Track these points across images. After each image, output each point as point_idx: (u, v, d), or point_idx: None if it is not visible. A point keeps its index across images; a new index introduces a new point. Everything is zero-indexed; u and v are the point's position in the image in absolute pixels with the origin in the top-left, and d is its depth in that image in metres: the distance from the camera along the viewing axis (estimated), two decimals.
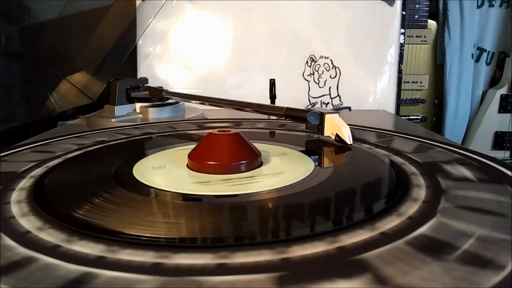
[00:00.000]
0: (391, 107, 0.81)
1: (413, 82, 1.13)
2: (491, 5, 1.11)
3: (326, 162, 0.33)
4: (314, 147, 0.36)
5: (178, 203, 0.23)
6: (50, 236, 0.17)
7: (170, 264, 0.15)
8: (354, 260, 0.15)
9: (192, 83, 0.79)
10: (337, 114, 0.37)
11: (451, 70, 1.10)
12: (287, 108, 0.40)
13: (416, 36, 1.12)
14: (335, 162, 0.33)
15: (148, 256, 0.15)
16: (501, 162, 0.28)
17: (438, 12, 1.12)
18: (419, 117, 1.16)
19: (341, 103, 0.79)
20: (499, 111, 1.12)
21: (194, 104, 0.59)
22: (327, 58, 0.79)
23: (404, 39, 0.79)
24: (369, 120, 0.66)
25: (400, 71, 0.80)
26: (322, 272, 0.14)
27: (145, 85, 0.60)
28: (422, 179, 0.25)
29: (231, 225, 0.20)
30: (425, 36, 1.12)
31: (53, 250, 0.16)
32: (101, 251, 0.16)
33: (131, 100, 0.59)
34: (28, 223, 0.19)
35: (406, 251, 0.16)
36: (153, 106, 0.58)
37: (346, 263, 0.15)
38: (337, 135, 0.35)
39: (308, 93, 0.79)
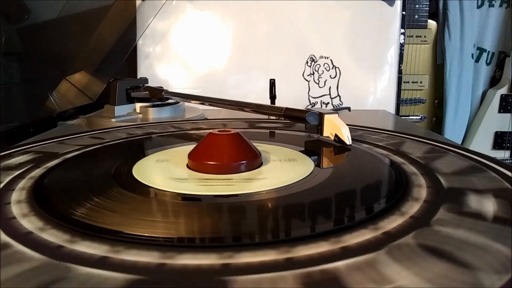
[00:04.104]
0: (391, 107, 0.81)
1: (413, 82, 1.13)
2: (491, 5, 1.11)
3: (325, 162, 0.33)
4: (314, 147, 0.37)
5: (178, 203, 0.23)
6: (52, 236, 0.17)
7: (168, 265, 0.15)
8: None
9: (192, 83, 0.79)
10: (336, 115, 0.37)
11: (451, 70, 1.10)
12: (287, 109, 0.40)
13: (416, 36, 1.12)
14: (334, 163, 0.33)
15: (148, 256, 0.15)
16: (501, 163, 0.28)
17: (438, 12, 1.12)
18: (419, 117, 1.16)
19: (341, 103, 0.80)
20: (499, 111, 1.12)
21: (194, 104, 0.59)
22: (327, 58, 0.79)
23: (404, 39, 0.80)
24: (369, 120, 0.66)
25: (400, 71, 0.80)
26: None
27: (145, 85, 0.60)
28: (422, 179, 0.25)
29: (230, 225, 0.20)
30: (425, 36, 1.12)
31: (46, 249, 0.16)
32: (101, 250, 0.16)
33: (131, 100, 0.59)
34: (29, 223, 0.19)
35: (396, 256, 0.16)
36: (153, 106, 0.58)
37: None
38: (336, 135, 0.35)
39: (308, 93, 0.80)
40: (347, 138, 0.35)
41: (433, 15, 1.12)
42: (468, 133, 1.17)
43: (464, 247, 0.16)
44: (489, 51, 1.14)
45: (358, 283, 0.13)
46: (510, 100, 1.11)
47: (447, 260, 0.15)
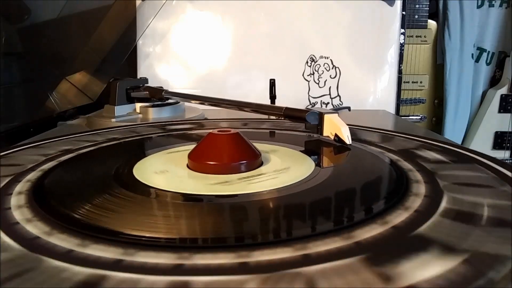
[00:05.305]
0: (391, 107, 0.81)
1: (413, 82, 1.13)
2: (491, 5, 1.11)
3: (325, 162, 0.33)
4: (314, 147, 0.37)
5: (178, 203, 0.23)
6: (35, 228, 0.18)
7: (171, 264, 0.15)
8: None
9: (192, 83, 0.79)
10: (336, 114, 0.37)
11: (451, 70, 1.10)
12: (286, 108, 0.40)
13: (416, 36, 1.12)
14: (334, 162, 0.33)
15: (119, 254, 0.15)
16: (501, 162, 0.28)
17: (438, 12, 1.12)
18: (419, 117, 1.16)
19: (341, 103, 0.80)
20: (499, 111, 1.12)
21: (194, 104, 0.59)
22: (327, 58, 0.79)
23: (404, 39, 0.80)
24: (369, 120, 0.66)
25: (400, 71, 0.80)
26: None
27: (145, 85, 0.60)
28: (423, 185, 0.25)
29: (230, 225, 0.20)
30: (425, 36, 1.12)
31: (35, 243, 0.16)
32: (74, 246, 0.16)
33: (131, 100, 0.59)
34: (29, 223, 0.19)
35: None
36: (153, 106, 0.58)
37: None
38: (336, 135, 0.35)
39: (308, 93, 0.80)
40: (347, 137, 0.35)
41: (433, 15, 1.12)
42: (468, 133, 1.17)
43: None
44: (489, 51, 1.14)
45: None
46: (510, 100, 1.11)
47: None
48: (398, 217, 0.19)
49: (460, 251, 0.16)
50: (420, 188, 0.23)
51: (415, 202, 0.21)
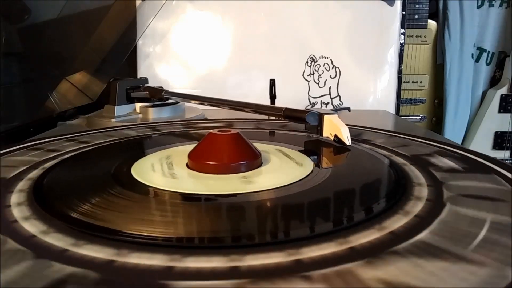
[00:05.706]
0: (391, 107, 0.81)
1: (413, 82, 1.14)
2: (491, 5, 1.11)
3: (324, 162, 0.33)
4: (313, 147, 0.37)
5: (177, 203, 0.23)
6: (56, 240, 0.17)
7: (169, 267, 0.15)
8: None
9: (192, 83, 0.79)
10: (336, 115, 0.37)
11: (451, 70, 1.10)
12: (286, 109, 0.40)
13: (416, 36, 1.12)
14: (333, 163, 0.33)
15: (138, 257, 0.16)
16: (500, 163, 0.28)
17: (438, 12, 1.12)
18: (419, 117, 1.16)
19: (341, 103, 0.80)
20: (499, 111, 1.12)
21: (194, 104, 0.59)
22: (327, 58, 0.79)
23: (404, 39, 0.80)
24: (369, 120, 0.66)
25: (400, 71, 0.80)
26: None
27: (145, 85, 0.60)
28: (424, 186, 0.25)
29: (230, 224, 0.20)
30: (425, 36, 1.12)
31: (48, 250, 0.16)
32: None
33: (131, 100, 0.59)
34: (32, 226, 0.19)
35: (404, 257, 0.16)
36: (153, 106, 0.58)
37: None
38: (336, 136, 0.35)
39: (308, 93, 0.80)
40: (346, 138, 0.35)
41: (433, 15, 1.12)
42: (468, 133, 1.17)
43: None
44: (489, 51, 1.14)
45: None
46: (510, 100, 1.11)
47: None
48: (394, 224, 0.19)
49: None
50: (417, 206, 0.21)
51: (395, 223, 0.19)
